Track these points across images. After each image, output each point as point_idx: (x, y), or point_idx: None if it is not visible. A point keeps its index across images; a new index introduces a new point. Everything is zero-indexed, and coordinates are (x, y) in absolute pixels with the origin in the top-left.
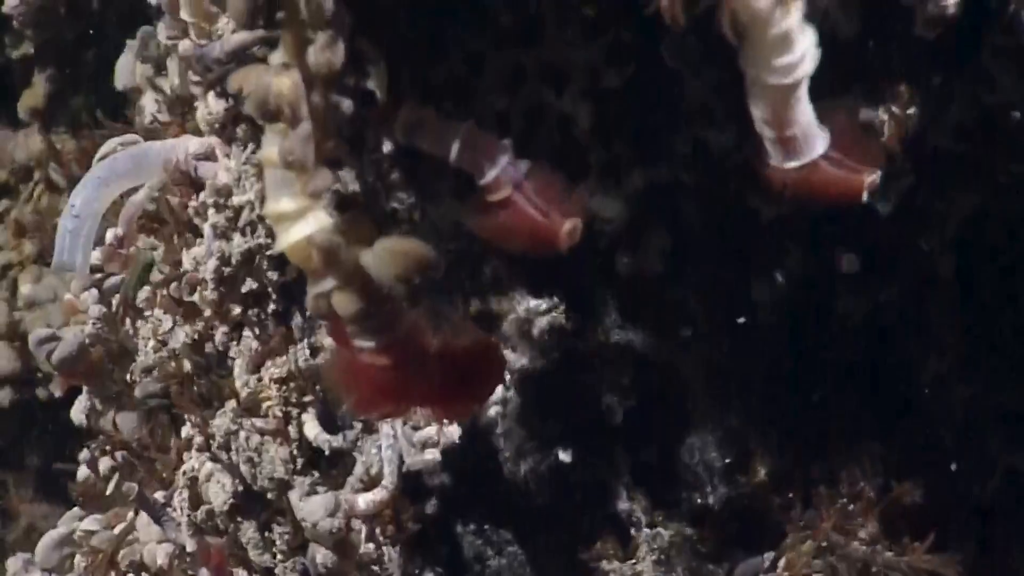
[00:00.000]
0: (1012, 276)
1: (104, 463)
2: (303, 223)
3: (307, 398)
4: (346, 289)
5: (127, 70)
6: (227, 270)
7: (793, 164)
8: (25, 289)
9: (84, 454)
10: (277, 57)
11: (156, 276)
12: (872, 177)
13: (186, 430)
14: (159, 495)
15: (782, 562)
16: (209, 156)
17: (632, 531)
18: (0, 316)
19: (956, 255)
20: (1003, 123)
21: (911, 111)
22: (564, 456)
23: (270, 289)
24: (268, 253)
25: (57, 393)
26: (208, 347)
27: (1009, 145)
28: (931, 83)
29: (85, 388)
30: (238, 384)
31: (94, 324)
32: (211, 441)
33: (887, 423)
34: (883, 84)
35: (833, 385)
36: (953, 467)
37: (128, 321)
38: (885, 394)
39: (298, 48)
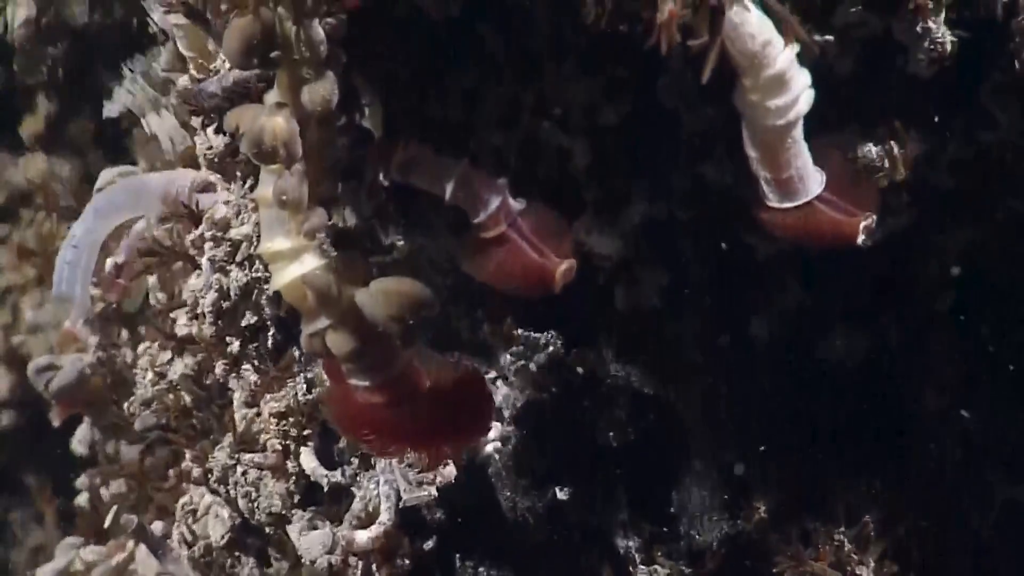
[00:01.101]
0: (1010, 311)
1: (104, 493)
2: (297, 263)
3: (305, 432)
4: (340, 328)
5: (125, 97)
6: (225, 303)
7: (789, 204)
8: (28, 314)
9: (83, 481)
10: (272, 96)
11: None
12: (868, 221)
13: (185, 463)
14: (158, 526)
15: None
16: (208, 189)
17: (630, 568)
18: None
19: (954, 290)
20: (1001, 160)
21: (908, 148)
22: (561, 494)
23: (269, 323)
24: (266, 287)
25: (56, 422)
26: (207, 379)
27: (1007, 181)
28: (928, 121)
29: (86, 418)
30: (237, 418)
31: (93, 353)
32: (209, 475)
33: (886, 458)
34: (881, 122)
35: (832, 421)
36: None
37: (127, 352)
38: (884, 429)
39: (293, 87)
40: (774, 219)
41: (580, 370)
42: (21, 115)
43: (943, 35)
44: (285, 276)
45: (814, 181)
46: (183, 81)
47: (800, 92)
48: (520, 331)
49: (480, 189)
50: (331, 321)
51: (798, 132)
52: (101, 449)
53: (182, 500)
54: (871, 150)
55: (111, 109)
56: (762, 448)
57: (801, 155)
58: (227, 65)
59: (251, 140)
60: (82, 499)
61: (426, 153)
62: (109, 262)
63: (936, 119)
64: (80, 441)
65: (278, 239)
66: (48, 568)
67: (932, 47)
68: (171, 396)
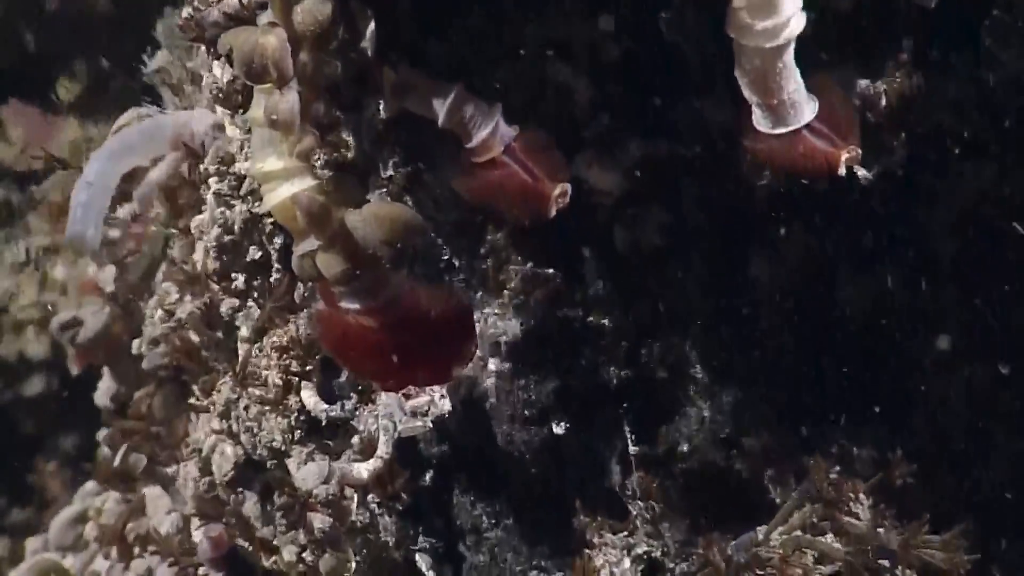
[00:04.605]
0: (1017, 258)
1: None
2: (288, 183)
3: (307, 367)
4: (330, 250)
5: (160, 54)
6: (229, 238)
7: (781, 130)
8: (58, 273)
9: (104, 433)
10: (265, 16)
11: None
12: (851, 153)
13: (192, 400)
14: (168, 466)
15: (775, 535)
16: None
17: (626, 503)
18: (31, 301)
19: (959, 236)
20: (1006, 101)
21: (908, 84)
22: (558, 429)
23: (273, 259)
24: (270, 221)
25: (74, 371)
26: (214, 317)
27: (1014, 123)
28: (929, 58)
29: (107, 370)
30: (241, 353)
31: (111, 301)
32: (213, 409)
33: (888, 405)
34: (880, 57)
35: (834, 365)
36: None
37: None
38: (887, 376)
39: (285, 7)
40: (762, 145)
41: (580, 306)
42: (56, 78)
43: None
44: (276, 196)
45: (807, 108)
46: (186, 12)
47: (791, 14)
48: (521, 267)
49: (474, 114)
50: (321, 242)
51: (789, 56)
52: (124, 398)
53: (189, 438)
54: (869, 85)
55: (150, 67)
56: (762, 389)
57: (793, 80)
58: None
59: (241, 59)
60: (105, 451)
61: (420, 77)
62: (124, 210)
63: (937, 57)
64: (103, 393)
65: (269, 159)
66: (65, 513)
67: None
68: (179, 334)
